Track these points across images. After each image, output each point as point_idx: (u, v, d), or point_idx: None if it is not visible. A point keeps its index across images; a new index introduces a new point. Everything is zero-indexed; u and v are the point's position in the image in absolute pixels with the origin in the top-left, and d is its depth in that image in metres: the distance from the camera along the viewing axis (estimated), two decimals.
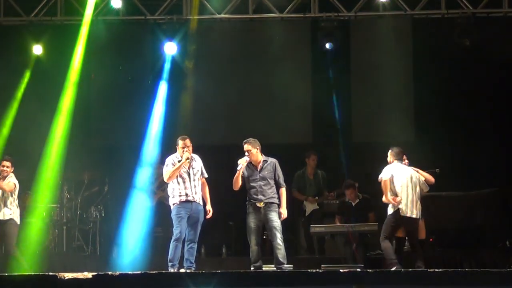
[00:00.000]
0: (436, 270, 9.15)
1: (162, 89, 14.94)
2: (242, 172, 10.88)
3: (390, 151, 11.61)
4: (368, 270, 9.09)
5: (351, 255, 12.86)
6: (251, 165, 10.96)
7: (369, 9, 14.41)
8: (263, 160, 10.98)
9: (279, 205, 10.93)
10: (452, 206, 13.19)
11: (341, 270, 8.98)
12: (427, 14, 14.45)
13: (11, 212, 11.79)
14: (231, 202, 13.25)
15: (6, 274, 10.42)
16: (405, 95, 14.89)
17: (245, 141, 10.98)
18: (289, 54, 14.76)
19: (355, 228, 12.84)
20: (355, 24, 14.72)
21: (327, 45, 14.25)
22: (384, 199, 11.49)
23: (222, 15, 14.43)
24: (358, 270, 10.04)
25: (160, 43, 14.50)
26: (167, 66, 14.82)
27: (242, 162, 10.86)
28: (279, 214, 10.89)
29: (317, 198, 14.03)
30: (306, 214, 13.98)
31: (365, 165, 14.37)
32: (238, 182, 10.89)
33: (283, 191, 10.98)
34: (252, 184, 10.90)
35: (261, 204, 10.85)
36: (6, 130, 14.33)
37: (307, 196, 13.99)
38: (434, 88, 14.71)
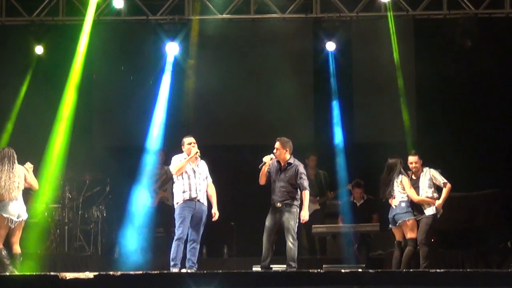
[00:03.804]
0: (437, 270, 9.16)
1: (164, 89, 14.94)
2: (269, 168, 10.90)
3: (418, 156, 11.55)
4: (370, 271, 9.08)
5: (353, 256, 12.87)
6: (278, 164, 10.99)
7: (370, 10, 14.42)
8: (288, 162, 10.98)
9: (297, 207, 10.89)
10: (454, 207, 13.19)
11: (343, 271, 8.98)
12: (429, 15, 14.46)
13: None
14: (232, 203, 13.27)
15: (7, 274, 10.43)
16: (407, 95, 14.88)
17: (278, 138, 11.03)
18: (291, 54, 14.76)
19: (356, 228, 12.85)
20: (357, 24, 14.71)
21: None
22: (439, 202, 11.43)
23: (224, 15, 14.44)
24: (360, 270, 10.04)
25: (162, 43, 14.51)
26: (169, 67, 14.83)
27: (266, 160, 10.90)
28: (300, 216, 10.86)
29: (318, 198, 14.04)
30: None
31: (366, 166, 14.37)
32: (261, 178, 10.95)
33: (305, 193, 10.90)
34: (274, 183, 10.95)
35: (278, 205, 10.87)
36: (8, 130, 14.33)
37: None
38: (436, 88, 14.71)
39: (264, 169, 10.91)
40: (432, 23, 14.53)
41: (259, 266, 11.17)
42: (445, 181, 11.44)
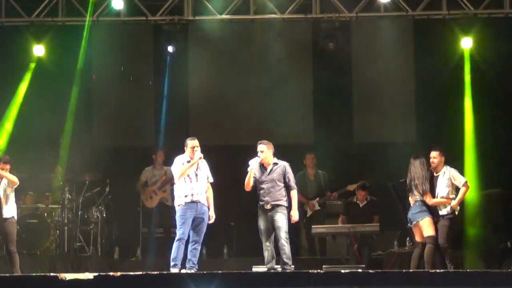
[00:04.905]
0: (437, 270, 9.16)
1: (164, 89, 14.95)
2: (254, 173, 10.90)
3: (440, 152, 11.47)
4: (370, 271, 9.08)
5: (353, 256, 12.87)
6: (262, 167, 10.97)
7: (370, 10, 14.42)
8: (274, 163, 10.98)
9: (287, 207, 10.89)
10: None
11: (343, 271, 8.97)
12: (428, 15, 14.46)
13: (13, 209, 11.75)
14: (232, 203, 13.27)
15: (7, 274, 10.43)
16: (406, 95, 14.88)
17: (260, 142, 11.01)
18: (290, 54, 14.75)
19: (356, 228, 12.84)
20: (356, 25, 14.71)
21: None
22: (454, 203, 11.27)
23: (223, 16, 14.44)
24: (360, 271, 10.04)
25: (161, 44, 14.52)
26: (168, 67, 14.83)
27: (253, 163, 10.88)
28: (290, 217, 10.87)
29: (318, 199, 14.02)
30: (308, 215, 13.97)
31: (366, 166, 14.37)
32: (250, 182, 10.91)
33: (293, 193, 10.93)
34: (261, 186, 10.91)
35: (268, 206, 10.85)
36: (7, 131, 14.35)
37: (308, 197, 13.97)
38: (436, 88, 14.70)
39: (251, 173, 10.89)
40: (432, 23, 14.53)
41: (260, 267, 11.17)
42: (465, 180, 11.38)
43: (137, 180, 14.06)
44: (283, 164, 11.01)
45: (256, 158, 10.92)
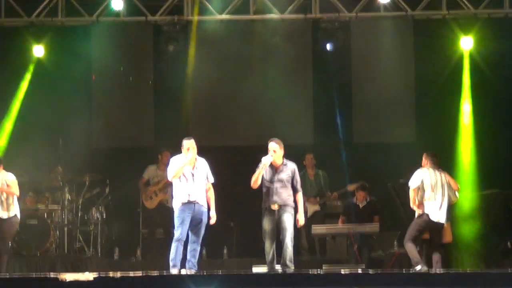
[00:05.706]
0: (437, 271, 9.17)
1: (163, 89, 14.95)
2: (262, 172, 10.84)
3: (425, 154, 11.37)
4: (370, 271, 9.10)
5: (353, 256, 12.87)
6: (270, 166, 10.88)
7: (370, 10, 14.42)
8: (283, 164, 10.91)
9: (293, 208, 10.84)
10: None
11: (343, 271, 8.99)
12: (428, 15, 14.47)
13: (15, 208, 11.75)
14: (232, 203, 13.26)
15: (7, 275, 10.44)
16: (406, 95, 14.88)
17: (272, 139, 10.88)
18: (290, 54, 14.74)
19: (355, 229, 12.85)
20: (356, 25, 14.71)
21: (328, 46, 14.29)
22: (411, 204, 11.22)
23: (223, 16, 14.44)
24: (360, 271, 10.05)
25: (161, 44, 14.51)
26: (168, 67, 14.83)
27: (266, 161, 10.75)
28: (297, 220, 10.82)
29: (318, 199, 14.03)
30: (308, 215, 13.96)
31: (366, 166, 14.37)
32: (258, 180, 10.77)
33: (299, 196, 10.88)
34: (269, 185, 10.83)
35: (275, 207, 10.80)
36: (7, 131, 14.35)
37: (308, 197, 13.98)
38: (436, 89, 14.71)
39: (261, 170, 10.83)
40: (431, 23, 14.54)
41: (260, 267, 11.16)
42: (410, 183, 11.23)
43: (139, 178, 14.05)
44: (293, 166, 10.92)
45: (269, 156, 10.83)
